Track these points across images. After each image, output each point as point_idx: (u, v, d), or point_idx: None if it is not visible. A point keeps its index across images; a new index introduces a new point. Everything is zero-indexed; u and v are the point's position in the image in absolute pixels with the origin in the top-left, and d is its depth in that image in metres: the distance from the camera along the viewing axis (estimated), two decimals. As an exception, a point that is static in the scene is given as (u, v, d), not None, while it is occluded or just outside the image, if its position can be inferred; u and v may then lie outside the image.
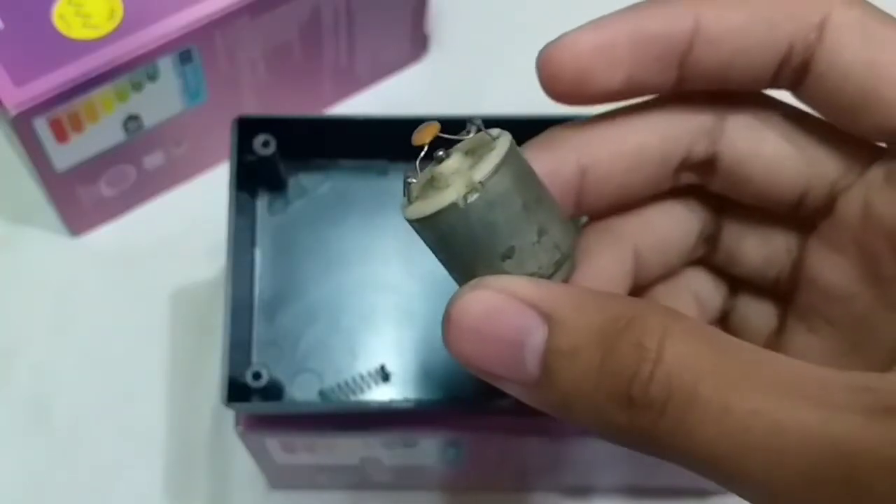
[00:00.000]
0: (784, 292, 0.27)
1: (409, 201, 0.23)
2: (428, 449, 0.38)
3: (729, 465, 0.19)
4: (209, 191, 0.45)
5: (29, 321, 0.46)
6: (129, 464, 0.44)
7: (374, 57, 0.47)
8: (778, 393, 0.19)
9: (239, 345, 0.35)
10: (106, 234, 0.47)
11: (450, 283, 0.36)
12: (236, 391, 0.33)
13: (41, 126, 0.39)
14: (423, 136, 0.22)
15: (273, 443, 0.37)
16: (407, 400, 0.36)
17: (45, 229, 0.47)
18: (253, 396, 0.34)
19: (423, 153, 0.23)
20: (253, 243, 0.37)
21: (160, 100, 0.41)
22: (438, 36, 0.50)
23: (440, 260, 0.23)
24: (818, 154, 0.25)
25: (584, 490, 0.44)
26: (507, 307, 0.21)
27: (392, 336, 0.37)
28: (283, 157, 0.36)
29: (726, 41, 0.24)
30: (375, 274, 0.37)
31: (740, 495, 0.20)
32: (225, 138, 0.36)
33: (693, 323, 0.20)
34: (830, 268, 0.25)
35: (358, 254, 0.37)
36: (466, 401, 0.36)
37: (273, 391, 0.35)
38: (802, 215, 0.26)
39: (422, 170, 0.23)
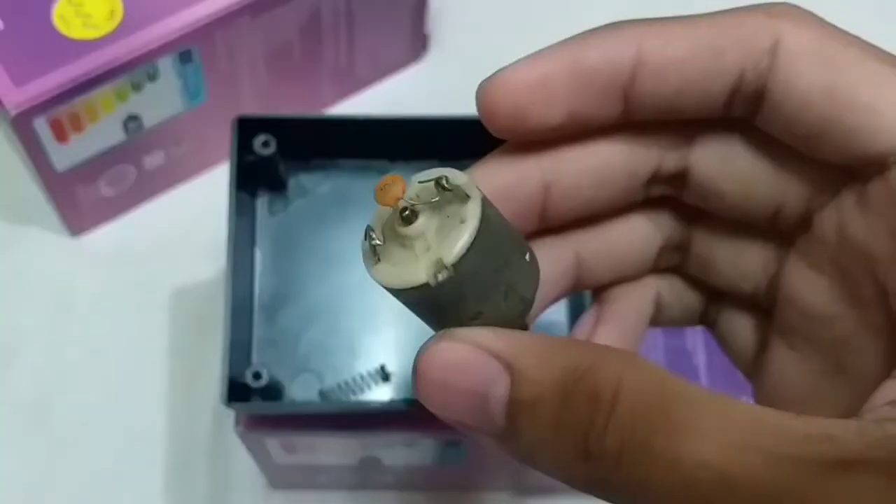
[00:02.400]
0: (764, 307, 0.26)
1: (374, 259, 0.22)
2: (428, 449, 0.38)
3: None
4: (209, 191, 0.45)
5: (29, 321, 0.46)
6: (129, 464, 0.44)
7: (374, 57, 0.47)
8: (729, 443, 0.18)
9: (239, 345, 0.35)
10: (106, 234, 0.47)
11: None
12: (236, 391, 0.33)
13: (41, 126, 0.39)
14: (385, 198, 0.21)
15: (273, 443, 0.37)
16: (407, 400, 0.36)
17: (45, 229, 0.47)
18: (253, 396, 0.34)
19: (379, 214, 0.22)
20: (253, 243, 0.37)
21: (160, 100, 0.41)
22: (438, 36, 0.50)
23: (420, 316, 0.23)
24: (791, 171, 0.24)
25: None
26: (471, 358, 0.21)
27: (392, 336, 0.37)
28: (283, 157, 0.36)
29: (670, 72, 0.23)
30: (375, 274, 0.37)
31: None
32: (225, 138, 0.36)
33: (649, 371, 0.20)
34: (809, 287, 0.24)
35: (358, 254, 0.37)
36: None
37: (273, 391, 0.35)
38: (780, 230, 0.25)
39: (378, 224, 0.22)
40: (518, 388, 0.20)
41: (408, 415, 0.35)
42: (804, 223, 0.24)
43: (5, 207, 0.47)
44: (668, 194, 0.26)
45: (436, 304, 0.22)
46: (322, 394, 0.36)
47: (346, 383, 0.36)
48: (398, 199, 0.21)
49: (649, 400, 0.19)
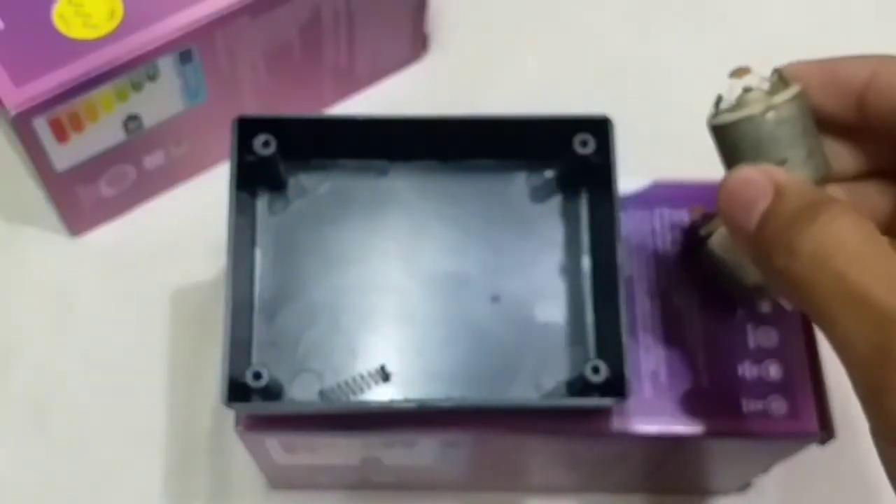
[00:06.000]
0: None
1: (716, 113, 0.31)
2: (428, 449, 0.38)
3: (831, 319, 0.26)
4: (209, 191, 0.46)
5: (29, 321, 0.46)
6: (129, 464, 0.44)
7: (374, 57, 0.47)
8: (887, 283, 0.26)
9: (239, 345, 0.35)
10: (106, 234, 0.47)
11: (450, 283, 0.36)
12: (236, 391, 0.33)
13: (41, 126, 0.39)
14: (739, 73, 0.31)
15: (273, 443, 0.37)
16: (407, 400, 0.36)
17: (45, 229, 0.47)
18: (253, 396, 0.34)
19: (734, 83, 0.30)
20: (253, 243, 0.37)
21: (160, 100, 0.41)
22: (438, 36, 0.50)
23: (726, 163, 0.31)
24: None
25: (585, 490, 0.44)
26: (758, 179, 0.29)
27: (392, 336, 0.36)
28: (283, 157, 0.36)
29: (892, 92, 0.30)
30: (375, 274, 0.37)
31: (836, 350, 0.26)
32: (225, 138, 0.36)
33: (861, 221, 0.27)
34: None
35: (358, 254, 0.37)
36: (466, 401, 0.36)
37: (273, 391, 0.35)
38: None
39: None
40: (775, 203, 0.29)
41: (408, 415, 0.35)
42: None
43: (5, 207, 0.47)
44: None
45: (755, 142, 0.30)
46: (322, 394, 0.36)
47: (346, 383, 0.36)
48: (744, 73, 0.30)
49: (851, 233, 0.27)
